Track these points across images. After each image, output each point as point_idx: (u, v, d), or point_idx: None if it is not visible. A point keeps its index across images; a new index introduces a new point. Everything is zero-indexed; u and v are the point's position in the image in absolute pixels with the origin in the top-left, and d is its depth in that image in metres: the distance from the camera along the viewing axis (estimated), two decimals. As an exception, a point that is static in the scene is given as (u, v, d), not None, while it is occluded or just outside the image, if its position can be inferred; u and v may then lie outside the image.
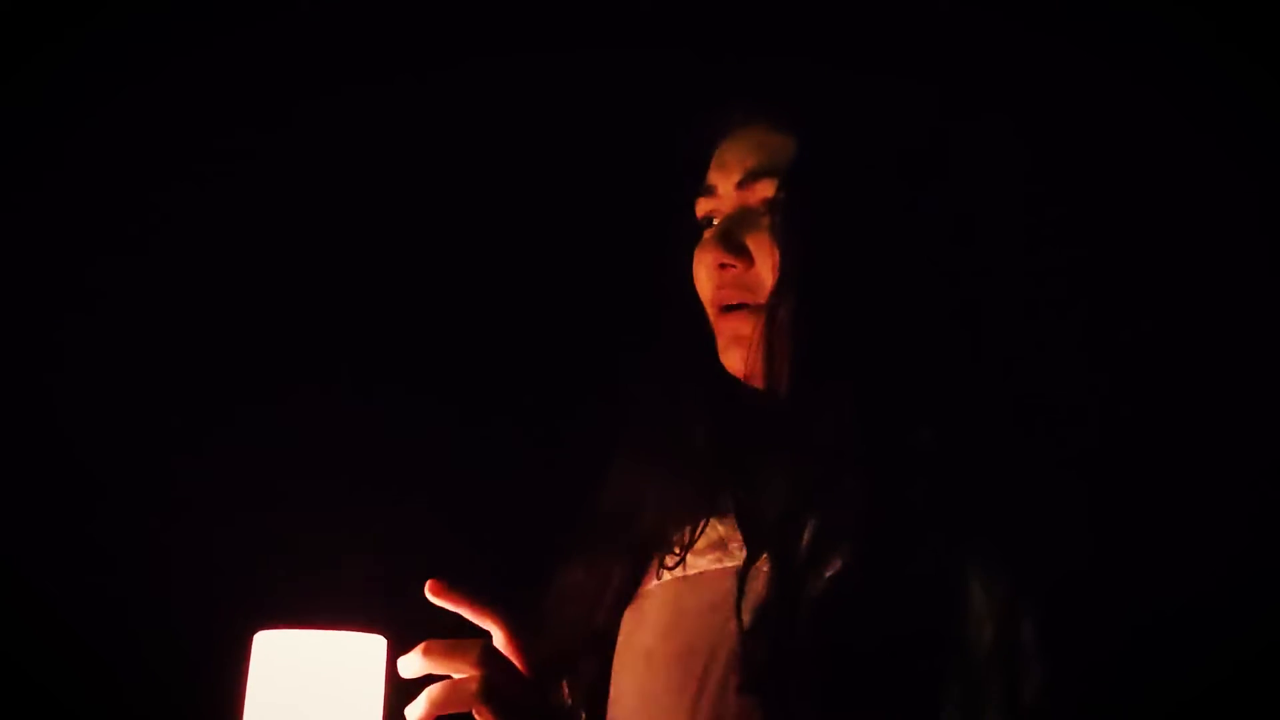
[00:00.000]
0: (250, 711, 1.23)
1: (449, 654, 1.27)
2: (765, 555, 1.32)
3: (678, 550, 1.41)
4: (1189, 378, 1.62)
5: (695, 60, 1.81)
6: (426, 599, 1.30)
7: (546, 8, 1.97)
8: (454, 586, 1.29)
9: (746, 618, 1.30)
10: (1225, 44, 1.64)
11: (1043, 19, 1.69)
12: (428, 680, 1.29)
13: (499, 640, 1.29)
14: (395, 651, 1.27)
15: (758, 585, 1.31)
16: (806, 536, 1.30)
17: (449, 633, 1.30)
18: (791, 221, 1.35)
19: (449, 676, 1.28)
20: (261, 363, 1.99)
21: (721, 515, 1.41)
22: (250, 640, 1.25)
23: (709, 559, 1.40)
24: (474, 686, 1.26)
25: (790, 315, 1.34)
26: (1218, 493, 1.56)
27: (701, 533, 1.41)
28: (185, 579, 1.89)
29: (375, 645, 1.25)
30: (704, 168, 1.44)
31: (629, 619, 1.44)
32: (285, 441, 1.94)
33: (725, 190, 1.41)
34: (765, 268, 1.37)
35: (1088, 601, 1.26)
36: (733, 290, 1.39)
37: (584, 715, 1.45)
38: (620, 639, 1.44)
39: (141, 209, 1.98)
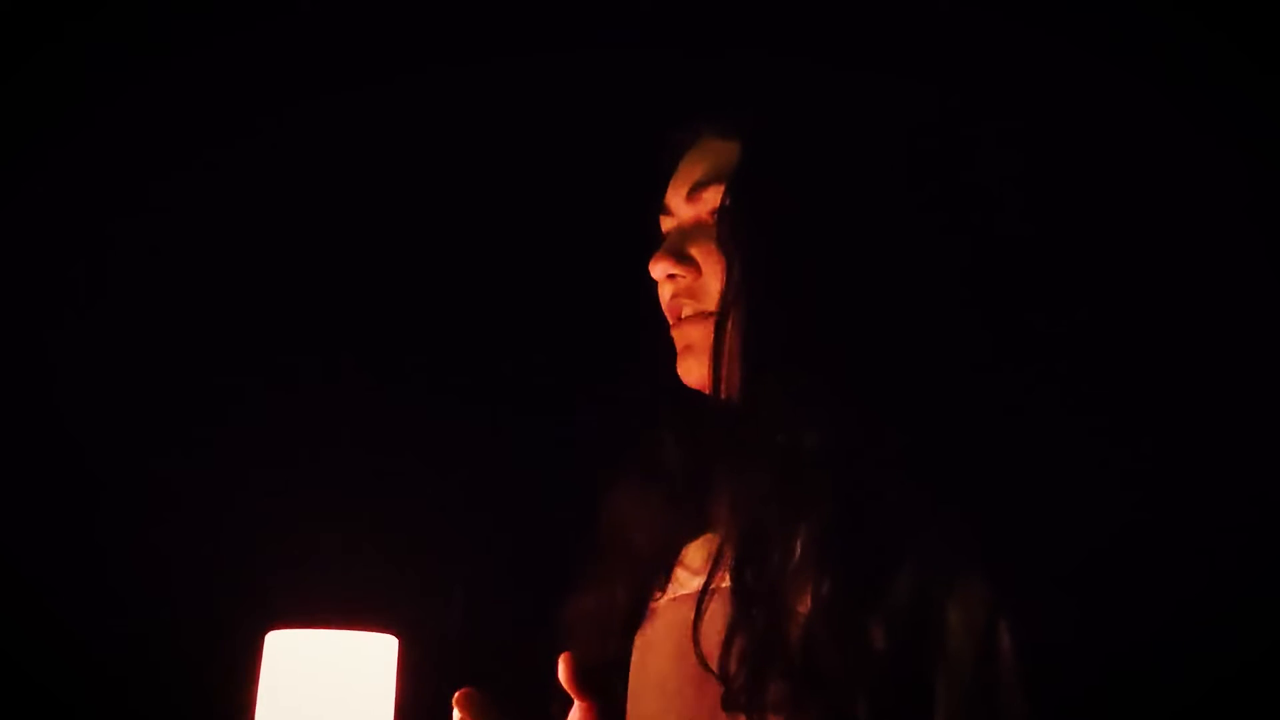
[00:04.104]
0: (262, 711, 1.24)
1: None
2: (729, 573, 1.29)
3: (678, 568, 1.39)
4: (1177, 382, 1.60)
5: (670, 64, 1.81)
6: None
7: (535, 9, 1.97)
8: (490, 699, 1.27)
9: (714, 638, 1.27)
10: (1229, 44, 1.63)
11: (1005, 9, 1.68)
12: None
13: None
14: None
15: (723, 604, 1.29)
16: (771, 550, 1.27)
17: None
18: (735, 226, 1.33)
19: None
20: (276, 363, 2.00)
21: (715, 529, 1.38)
22: (262, 640, 1.26)
23: (703, 577, 1.35)
24: None
25: (736, 320, 1.31)
26: (1206, 502, 1.53)
27: (691, 550, 1.39)
28: (198, 579, 1.90)
29: (386, 645, 1.26)
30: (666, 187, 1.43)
31: (640, 641, 1.42)
32: (298, 441, 1.95)
33: (678, 205, 1.39)
34: (713, 275, 1.35)
35: (1065, 611, 1.22)
36: (684, 300, 1.37)
37: None
38: (634, 660, 1.41)
39: (143, 207, 1.98)
